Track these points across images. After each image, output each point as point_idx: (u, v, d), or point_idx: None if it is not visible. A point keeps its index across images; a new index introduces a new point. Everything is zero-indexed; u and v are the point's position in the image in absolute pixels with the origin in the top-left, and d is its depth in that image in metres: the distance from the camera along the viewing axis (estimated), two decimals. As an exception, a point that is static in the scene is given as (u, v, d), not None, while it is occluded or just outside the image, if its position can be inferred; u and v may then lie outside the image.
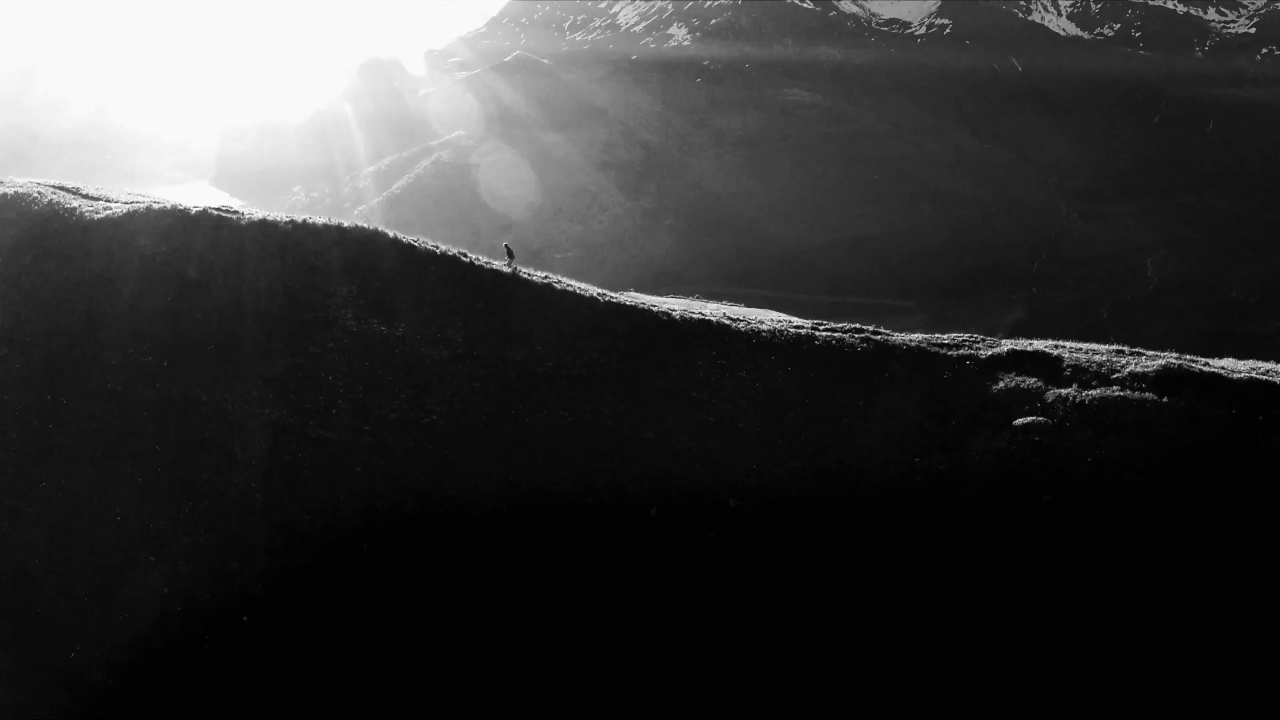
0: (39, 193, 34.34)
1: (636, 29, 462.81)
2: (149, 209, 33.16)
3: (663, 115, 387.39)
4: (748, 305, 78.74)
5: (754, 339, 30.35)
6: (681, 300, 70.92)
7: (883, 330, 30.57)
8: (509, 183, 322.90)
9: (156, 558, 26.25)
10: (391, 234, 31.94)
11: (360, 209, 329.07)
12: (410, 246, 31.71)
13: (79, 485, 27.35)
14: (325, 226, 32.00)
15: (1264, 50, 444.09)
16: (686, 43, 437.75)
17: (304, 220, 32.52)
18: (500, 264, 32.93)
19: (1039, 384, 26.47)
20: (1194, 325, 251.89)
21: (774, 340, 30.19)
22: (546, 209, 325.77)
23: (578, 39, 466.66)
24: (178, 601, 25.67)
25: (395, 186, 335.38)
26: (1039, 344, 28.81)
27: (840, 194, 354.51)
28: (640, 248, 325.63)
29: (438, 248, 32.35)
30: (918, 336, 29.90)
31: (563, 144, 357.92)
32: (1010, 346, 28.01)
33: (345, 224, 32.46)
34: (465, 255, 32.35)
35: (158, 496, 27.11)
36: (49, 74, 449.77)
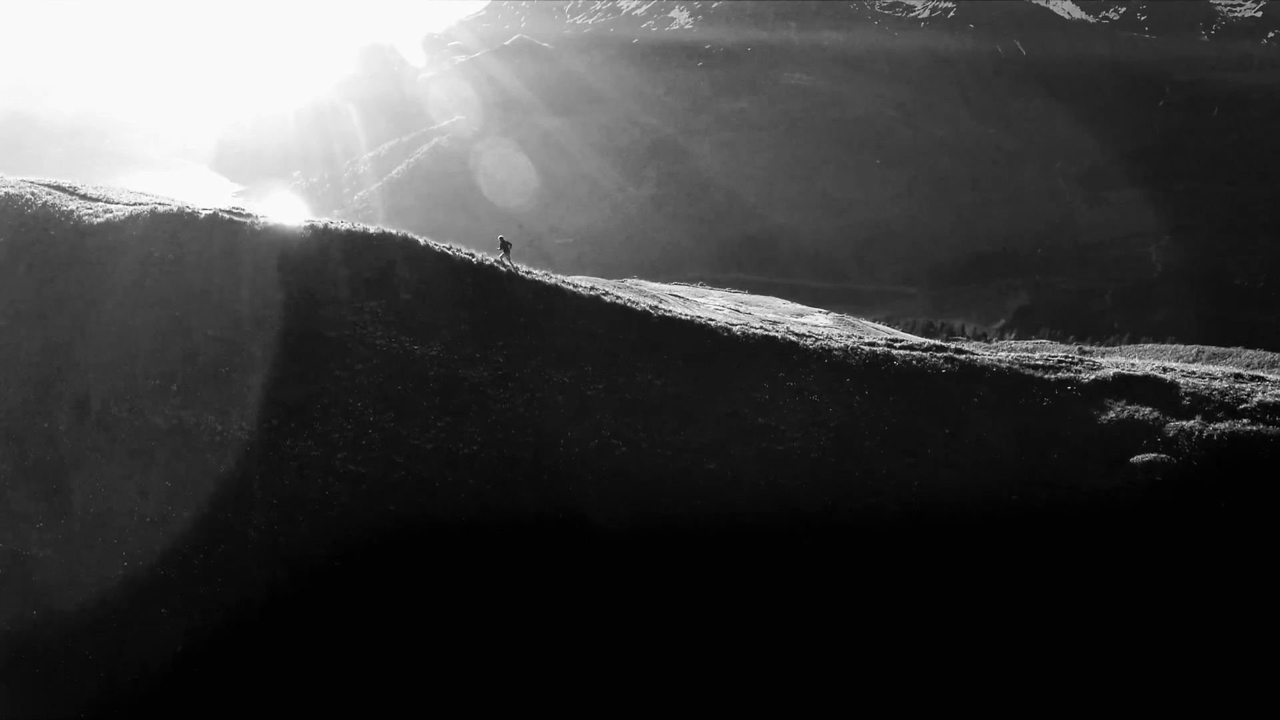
0: (33, 194, 31.23)
1: (638, 12, 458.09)
2: (153, 212, 30.05)
3: (664, 100, 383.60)
4: (751, 292, 76.16)
5: (825, 359, 27.46)
6: (685, 287, 68.08)
7: (967, 349, 27.66)
8: (509, 168, 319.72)
9: (169, 610, 23.40)
10: (423, 241, 28.93)
11: (360, 194, 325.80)
12: (444, 255, 28.71)
13: (81, 526, 24.50)
14: (349, 232, 28.95)
15: (1270, 35, 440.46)
16: (688, 26, 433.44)
17: (325, 225, 29.46)
18: (496, 259, 29.97)
19: (1155, 415, 23.59)
20: (1198, 312, 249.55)
21: (847, 360, 27.29)
22: (546, 194, 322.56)
23: (578, 22, 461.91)
24: (193, 661, 22.84)
25: (395, 172, 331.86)
26: (1145, 366, 25.92)
27: (842, 179, 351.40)
28: (641, 233, 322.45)
29: (473, 256, 29.37)
30: (1007, 356, 26.99)
31: (563, 129, 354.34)
32: (1115, 370, 25.09)
33: (371, 229, 29.41)
34: (503, 264, 29.39)
35: (169, 539, 24.23)
36: (47, 59, 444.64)
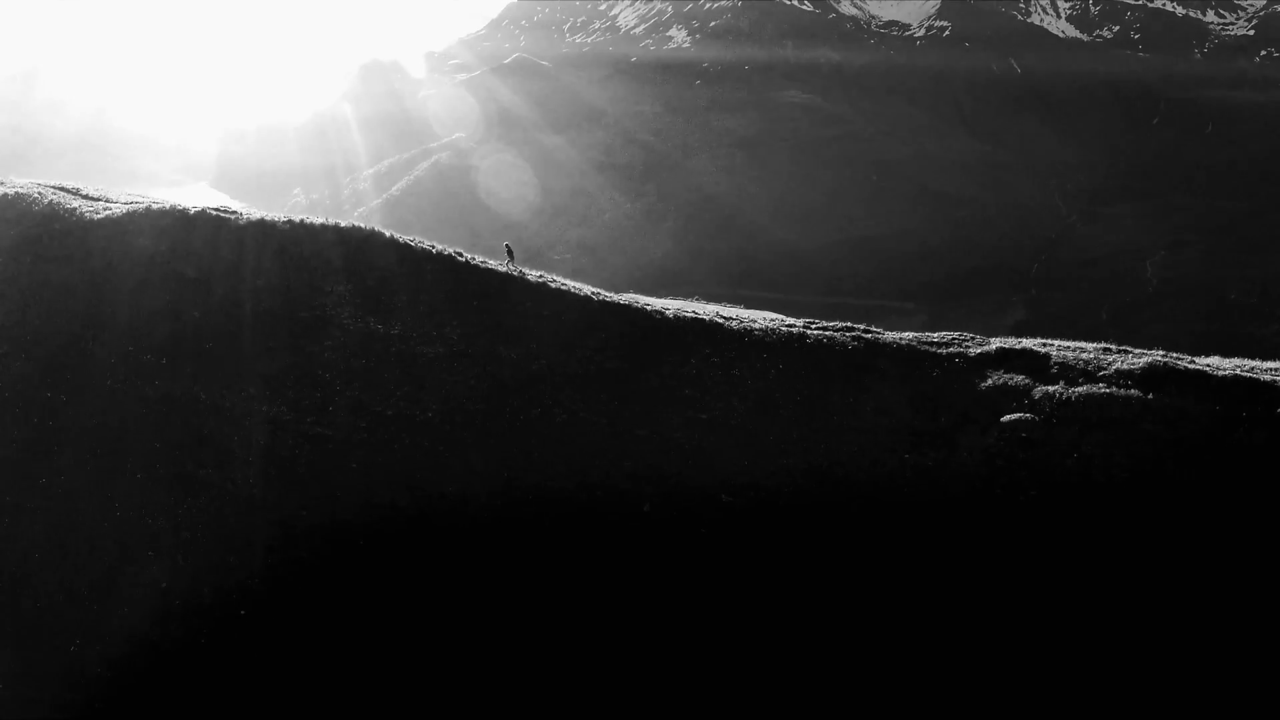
0: (39, 193, 34.71)
1: (636, 31, 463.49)
2: (149, 209, 33.53)
3: (662, 117, 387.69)
4: (746, 307, 79.33)
5: (746, 337, 30.68)
6: (679, 301, 71.23)
7: (873, 329, 30.89)
8: (508, 184, 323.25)
9: (155, 553, 26.56)
10: (388, 233, 32.29)
11: (360, 211, 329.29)
12: (406, 246, 32.05)
13: (79, 481, 27.68)
14: (323, 226, 32.35)
15: (1263, 52, 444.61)
16: (686, 44, 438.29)
17: (302, 220, 32.87)
18: (501, 263, 33.28)
19: (1026, 381, 26.79)
20: (1193, 327, 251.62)
21: (766, 339, 30.51)
22: (546, 210, 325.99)
23: (577, 41, 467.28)
24: (176, 597, 25.98)
25: (395, 188, 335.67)
26: (1028, 342, 29.13)
27: (839, 196, 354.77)
28: (639, 249, 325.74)
29: (433, 247, 32.71)
30: (908, 335, 30.23)
31: (562, 146, 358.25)
32: (999, 345, 28.33)
33: (342, 224, 32.84)
34: (461, 254, 32.69)
35: (157, 493, 27.43)
36: (49, 76, 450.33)
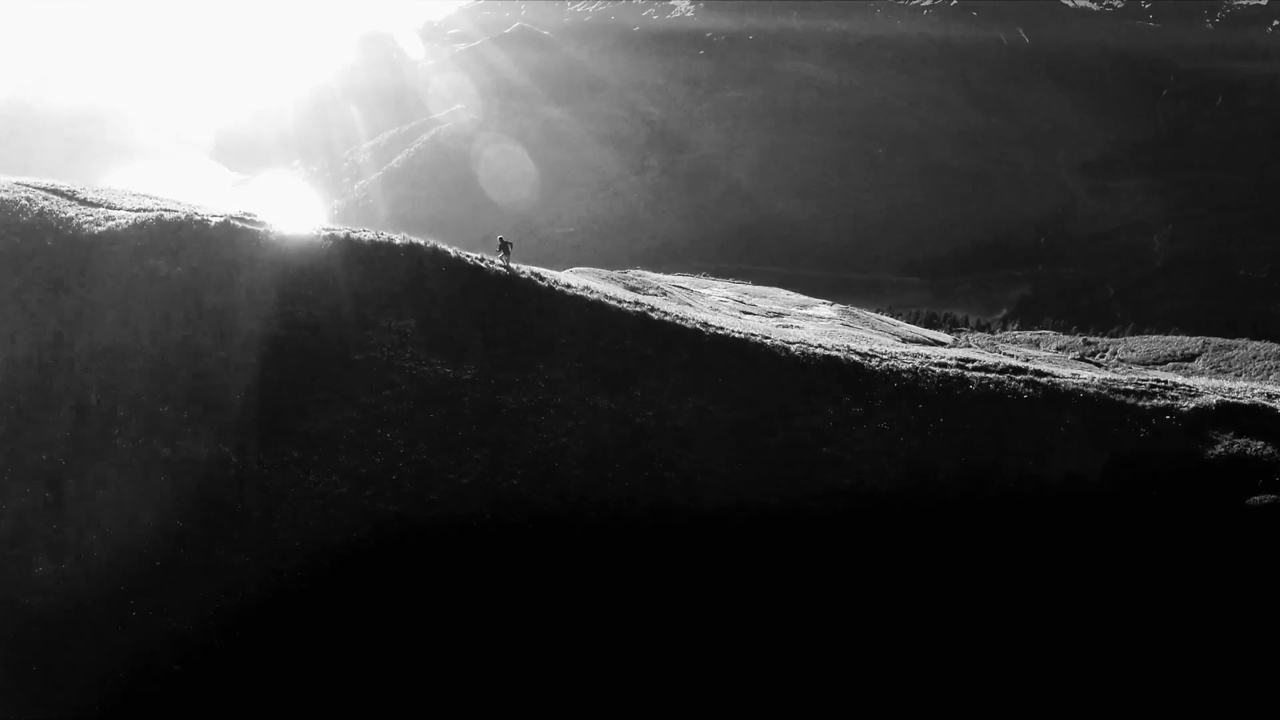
0: (28, 199, 28.71)
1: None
2: (159, 220, 27.64)
3: (665, 89, 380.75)
4: (754, 282, 74.23)
5: (894, 382, 25.21)
6: (688, 278, 65.97)
7: (1047, 371, 25.40)
8: (509, 158, 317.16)
9: (182, 666, 21.13)
10: (454, 252, 26.61)
11: (360, 184, 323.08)
12: (477, 268, 26.38)
13: (84, 576, 22.13)
14: (374, 243, 26.58)
15: (1275, 23, 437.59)
16: (689, 14, 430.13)
17: (347, 234, 27.12)
18: (496, 259, 27.67)
19: (1270, 451, 21.38)
20: (1201, 303, 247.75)
21: (918, 384, 25.04)
22: (547, 184, 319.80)
23: (579, 9, 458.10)
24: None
25: (394, 161, 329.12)
26: (1248, 393, 23.69)
27: (844, 168, 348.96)
28: (643, 223, 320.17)
29: (506, 267, 27.06)
30: (1093, 378, 24.76)
31: (564, 118, 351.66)
32: (1218, 399, 22.88)
33: (397, 239, 27.07)
34: (541, 277, 27.10)
35: (184, 588, 21.91)
36: (46, 49, 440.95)
